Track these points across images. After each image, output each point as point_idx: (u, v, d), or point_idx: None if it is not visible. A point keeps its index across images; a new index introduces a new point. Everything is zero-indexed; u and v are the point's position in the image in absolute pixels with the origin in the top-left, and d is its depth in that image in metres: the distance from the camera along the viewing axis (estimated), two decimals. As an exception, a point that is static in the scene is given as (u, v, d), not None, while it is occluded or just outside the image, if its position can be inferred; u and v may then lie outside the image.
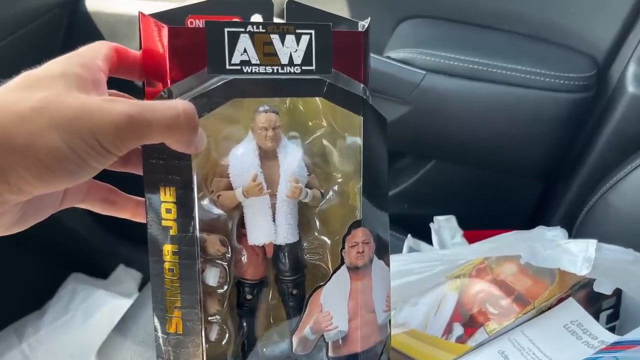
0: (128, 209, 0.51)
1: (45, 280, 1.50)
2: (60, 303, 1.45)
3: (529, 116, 1.03)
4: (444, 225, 1.01)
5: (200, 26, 0.48)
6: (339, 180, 0.53)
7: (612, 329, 0.68)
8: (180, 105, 0.40)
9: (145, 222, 0.49)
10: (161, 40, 0.46)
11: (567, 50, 1.08)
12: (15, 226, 0.42)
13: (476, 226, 0.99)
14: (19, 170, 0.35)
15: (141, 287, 1.49)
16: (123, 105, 0.38)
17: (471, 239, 0.96)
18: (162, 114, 0.39)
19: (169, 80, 0.46)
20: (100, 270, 1.53)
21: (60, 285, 1.50)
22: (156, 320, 0.49)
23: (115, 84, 0.46)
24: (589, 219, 0.94)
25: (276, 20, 0.49)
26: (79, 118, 0.36)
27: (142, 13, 0.46)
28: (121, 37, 1.22)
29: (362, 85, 0.51)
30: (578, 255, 0.63)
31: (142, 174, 0.47)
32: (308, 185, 0.52)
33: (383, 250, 0.55)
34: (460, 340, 0.69)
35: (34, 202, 0.41)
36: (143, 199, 0.50)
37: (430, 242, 0.99)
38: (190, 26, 0.48)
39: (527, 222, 1.21)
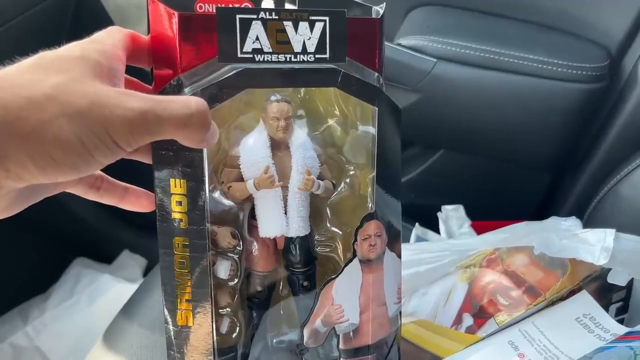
0: (115, 195, 0.49)
1: (50, 264, 1.50)
2: (65, 287, 1.45)
3: (541, 106, 1.02)
4: (452, 215, 1.00)
5: (210, 11, 0.47)
6: (351, 170, 0.53)
7: (620, 322, 0.68)
8: (193, 103, 0.39)
9: (136, 210, 0.49)
10: (171, 27, 0.45)
11: (580, 40, 1.06)
12: (6, 211, 0.40)
13: (484, 217, 0.98)
14: (22, 158, 0.34)
15: (146, 273, 1.49)
16: (137, 100, 0.37)
17: (479, 230, 0.96)
18: (175, 112, 0.38)
19: (179, 68, 0.45)
20: (105, 255, 1.54)
21: (65, 269, 1.50)
22: (166, 312, 0.48)
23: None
24: (599, 211, 0.93)
25: (287, 4, 0.48)
26: (92, 109, 0.35)
27: None
28: (132, 20, 1.22)
29: (376, 74, 0.50)
30: (596, 245, 0.62)
31: (148, 162, 0.46)
32: (320, 177, 0.51)
33: (395, 239, 0.54)
34: (470, 330, 0.69)
35: (29, 187, 0.40)
36: (132, 185, 0.49)
37: (437, 231, 0.99)
38: (199, 11, 0.47)
39: (535, 214, 1.20)
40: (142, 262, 1.51)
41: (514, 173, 1.18)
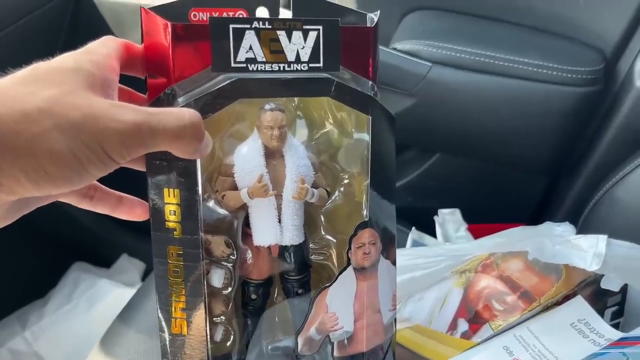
0: (108, 205, 0.49)
1: (49, 269, 1.50)
2: (63, 291, 1.45)
3: (536, 110, 1.02)
4: (449, 219, 1.01)
5: (204, 19, 0.47)
6: (345, 178, 0.53)
7: (616, 326, 0.68)
8: (187, 115, 0.39)
9: (130, 219, 0.49)
10: (165, 36, 0.45)
11: (575, 43, 1.07)
12: None
13: (480, 220, 0.98)
14: (15, 172, 0.34)
15: (144, 277, 1.49)
16: (130, 112, 0.37)
17: (475, 233, 0.96)
18: (168, 124, 0.38)
19: (172, 78, 0.45)
20: (103, 260, 1.54)
21: (63, 273, 1.50)
22: (161, 320, 0.48)
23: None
24: (595, 214, 0.93)
25: (282, 12, 0.48)
26: (85, 122, 0.35)
27: (144, 8, 0.45)
28: (127, 25, 1.22)
29: (370, 83, 0.50)
30: (588, 251, 0.62)
31: (142, 170, 0.46)
32: (314, 185, 0.51)
33: (390, 243, 0.54)
34: (465, 336, 0.69)
35: (21, 199, 0.40)
36: (126, 194, 0.49)
37: (434, 235, 0.99)
38: (193, 19, 0.47)
39: (532, 217, 1.21)
40: (141, 266, 1.51)
41: (510, 176, 1.18)
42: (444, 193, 1.21)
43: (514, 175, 1.18)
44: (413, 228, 0.99)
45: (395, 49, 1.06)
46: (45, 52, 0.40)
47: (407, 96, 1.05)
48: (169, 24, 0.44)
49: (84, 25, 1.25)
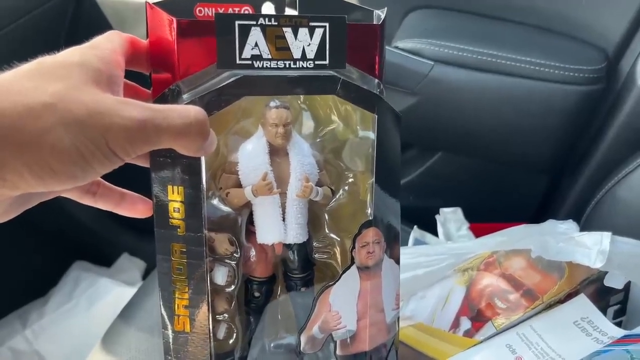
0: (110, 201, 0.49)
1: (50, 268, 1.50)
2: (64, 290, 1.45)
3: (538, 108, 1.02)
4: (450, 218, 1.00)
5: (210, 15, 0.47)
6: (350, 177, 0.53)
7: (618, 325, 0.68)
8: (192, 112, 0.39)
9: (132, 216, 0.49)
10: (170, 32, 0.45)
11: (577, 42, 1.07)
12: (1, 217, 0.40)
13: (482, 219, 0.98)
14: (19, 167, 0.34)
15: (145, 276, 1.49)
16: (136, 109, 0.37)
17: (477, 232, 0.96)
18: (174, 121, 0.38)
19: (177, 73, 0.45)
20: (104, 259, 1.53)
21: (64, 272, 1.50)
22: (164, 318, 0.48)
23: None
24: (597, 213, 0.93)
25: (288, 9, 0.48)
26: (91, 118, 0.35)
27: (149, 4, 0.45)
28: (129, 23, 1.21)
29: (376, 81, 0.50)
30: (592, 248, 0.62)
31: (146, 166, 0.46)
32: (319, 183, 0.51)
33: (394, 240, 0.54)
34: (468, 334, 0.69)
35: (25, 194, 0.39)
36: (128, 191, 0.49)
37: (435, 234, 0.99)
38: (199, 15, 0.47)
39: (534, 216, 1.21)
40: (141, 265, 1.51)
41: (512, 175, 1.18)
42: (445, 192, 1.21)
43: (515, 174, 1.18)
44: (415, 227, 0.99)
45: (397, 47, 1.06)
46: (45, 52, 0.39)
47: (409, 95, 1.05)
48: (174, 19, 0.44)
49: (85, 24, 1.24)
